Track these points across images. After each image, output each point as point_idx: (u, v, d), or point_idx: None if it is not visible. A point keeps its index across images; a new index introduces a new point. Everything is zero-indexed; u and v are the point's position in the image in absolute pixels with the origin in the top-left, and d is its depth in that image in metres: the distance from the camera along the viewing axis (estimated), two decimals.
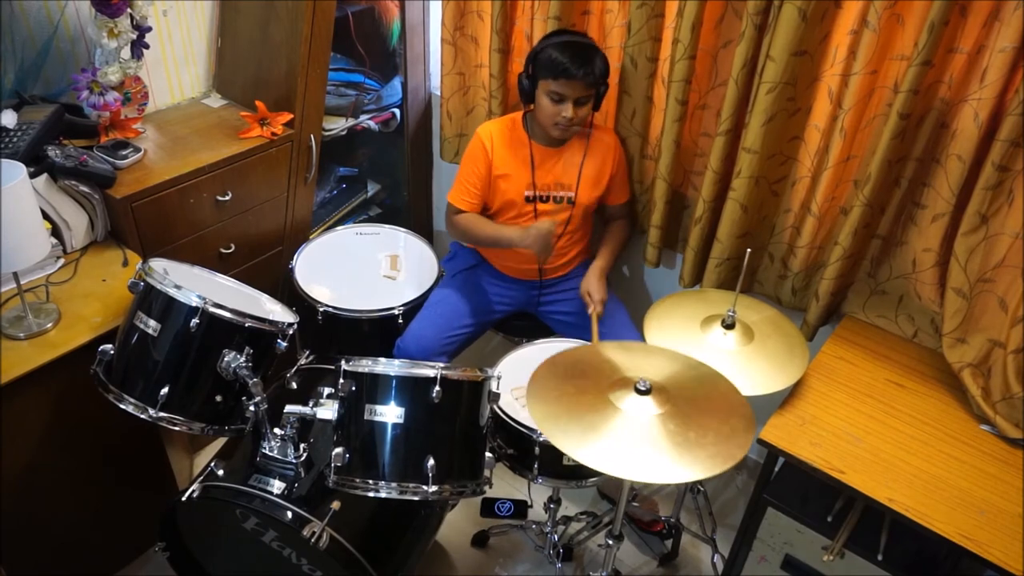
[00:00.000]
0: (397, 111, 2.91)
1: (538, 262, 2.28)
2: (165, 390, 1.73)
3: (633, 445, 1.51)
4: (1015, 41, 1.59)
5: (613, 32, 2.25)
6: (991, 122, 1.71)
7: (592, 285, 2.25)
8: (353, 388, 1.69)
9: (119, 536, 2.23)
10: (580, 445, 1.51)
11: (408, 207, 3.14)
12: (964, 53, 1.72)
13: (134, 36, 2.12)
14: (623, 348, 1.79)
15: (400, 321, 2.32)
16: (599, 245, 2.39)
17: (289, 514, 1.72)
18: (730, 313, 1.89)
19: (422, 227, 3.18)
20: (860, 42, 1.78)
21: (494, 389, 1.79)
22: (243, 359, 1.77)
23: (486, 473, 1.80)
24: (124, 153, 2.14)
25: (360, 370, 1.69)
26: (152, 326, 1.73)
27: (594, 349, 1.82)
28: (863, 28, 1.76)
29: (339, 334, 2.40)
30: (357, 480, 1.70)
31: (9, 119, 2.00)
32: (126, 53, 2.16)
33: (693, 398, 1.62)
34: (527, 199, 2.24)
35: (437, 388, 1.66)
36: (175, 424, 1.76)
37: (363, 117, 2.82)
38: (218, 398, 1.81)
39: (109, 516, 2.16)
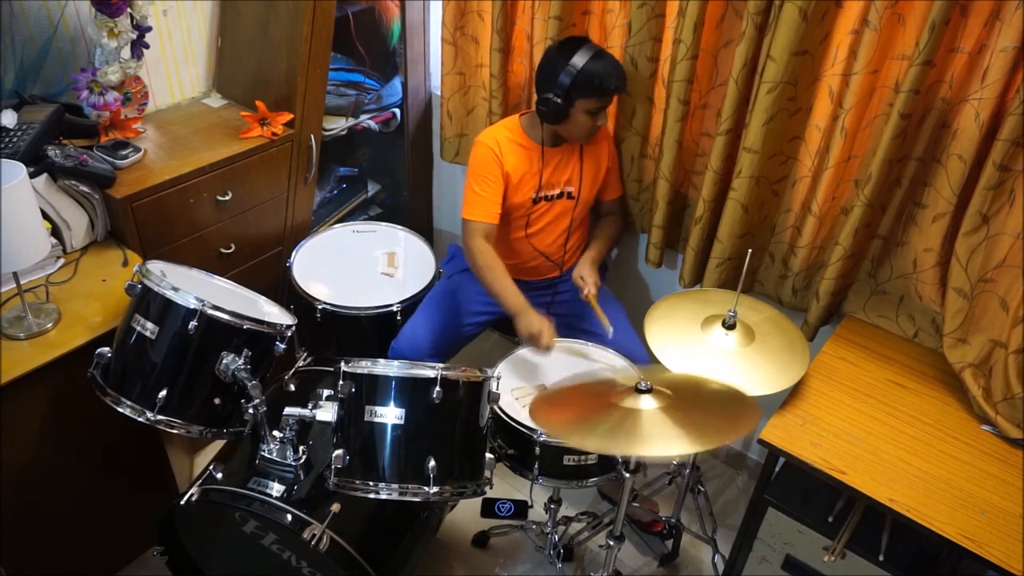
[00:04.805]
0: (397, 111, 2.90)
1: (523, 341, 2.12)
2: (163, 393, 1.73)
3: (645, 429, 1.52)
4: (1016, 41, 1.59)
5: (614, 32, 2.24)
6: (992, 122, 1.71)
7: (585, 271, 2.25)
8: (352, 389, 1.69)
9: (119, 536, 2.23)
10: (592, 439, 1.52)
11: (408, 207, 3.14)
12: (965, 53, 1.71)
13: (134, 36, 2.12)
14: (616, 373, 1.79)
15: (398, 318, 2.33)
16: (591, 238, 2.40)
17: (289, 516, 1.72)
18: (731, 313, 1.89)
19: (422, 227, 3.17)
20: (861, 42, 1.78)
21: (494, 390, 1.79)
22: (241, 361, 1.77)
23: (487, 474, 1.80)
24: (124, 153, 2.14)
25: (359, 371, 1.69)
26: (150, 328, 1.73)
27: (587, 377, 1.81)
28: (864, 28, 1.76)
29: (337, 331, 2.40)
30: (357, 482, 1.69)
31: (9, 119, 2.00)
32: (126, 53, 2.15)
33: (694, 396, 1.62)
34: (533, 200, 2.24)
35: (437, 389, 1.65)
36: (173, 427, 1.76)
37: (363, 117, 2.82)
38: (216, 400, 1.80)
39: (109, 516, 2.16)
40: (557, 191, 2.25)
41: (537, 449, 1.93)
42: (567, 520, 2.44)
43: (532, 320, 2.02)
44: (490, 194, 2.17)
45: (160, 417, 1.74)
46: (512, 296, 2.09)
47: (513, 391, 2.04)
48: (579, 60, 2.02)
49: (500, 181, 2.17)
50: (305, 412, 1.74)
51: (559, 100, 2.05)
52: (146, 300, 1.74)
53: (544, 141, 2.20)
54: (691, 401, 1.59)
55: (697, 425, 1.52)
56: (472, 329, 2.37)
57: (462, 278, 2.39)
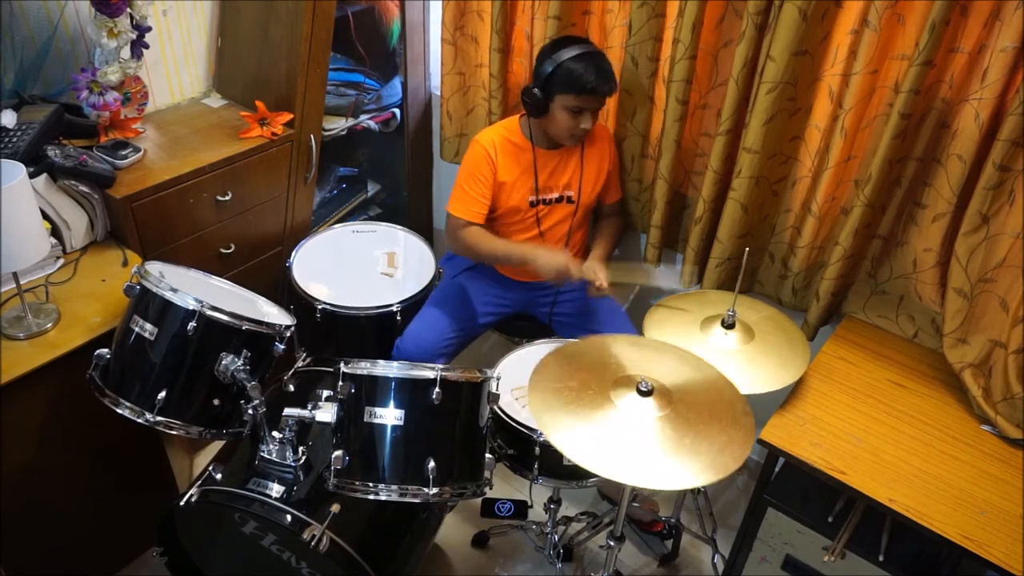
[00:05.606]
0: (397, 111, 2.90)
1: (546, 280, 2.15)
2: (162, 394, 1.73)
3: (631, 448, 1.51)
4: (1016, 41, 1.59)
5: (614, 32, 2.24)
6: (992, 122, 1.71)
7: (595, 266, 2.24)
8: (352, 390, 1.69)
9: (119, 536, 2.23)
10: (578, 446, 1.51)
11: (408, 207, 3.14)
12: (965, 53, 1.71)
13: (134, 36, 2.12)
14: (630, 343, 1.77)
15: (398, 318, 2.32)
16: (594, 240, 2.40)
17: (288, 517, 1.72)
18: (730, 313, 1.89)
19: (422, 227, 3.18)
20: (861, 42, 1.78)
21: (493, 390, 1.79)
22: (240, 362, 1.77)
23: (486, 474, 1.80)
24: (124, 153, 2.14)
25: (359, 372, 1.68)
26: (148, 329, 1.72)
27: (600, 341, 1.80)
28: (864, 28, 1.76)
29: (337, 332, 2.40)
30: (357, 483, 1.69)
31: (9, 119, 2.00)
32: (126, 53, 2.15)
33: (695, 402, 1.62)
34: (531, 204, 2.24)
35: (437, 390, 1.65)
36: (172, 428, 1.76)
37: (363, 117, 2.82)
38: (216, 401, 1.80)
39: (109, 516, 2.16)
40: (555, 195, 2.25)
41: (537, 449, 1.93)
42: (567, 520, 2.44)
43: (552, 258, 2.02)
44: (477, 194, 2.17)
45: (159, 418, 1.73)
46: (516, 247, 2.11)
47: (513, 391, 2.04)
48: (564, 55, 2.02)
49: (489, 183, 2.17)
50: (304, 413, 1.74)
51: (539, 92, 2.06)
52: (145, 301, 1.74)
53: (539, 142, 2.20)
54: (688, 412, 1.58)
55: (689, 450, 1.51)
56: (477, 329, 2.37)
57: (465, 277, 2.39)
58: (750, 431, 1.56)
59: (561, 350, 1.74)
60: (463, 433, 1.76)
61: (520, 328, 2.48)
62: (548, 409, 1.59)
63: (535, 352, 2.18)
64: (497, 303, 2.38)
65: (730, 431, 1.56)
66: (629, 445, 1.52)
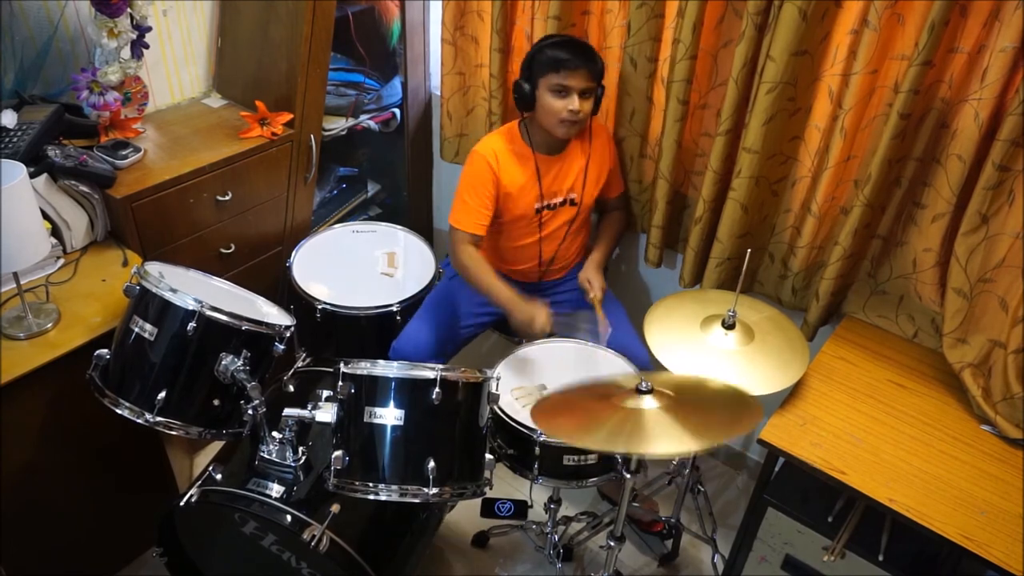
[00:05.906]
0: (397, 111, 2.91)
1: (519, 334, 2.21)
2: (162, 394, 1.73)
3: (645, 429, 1.51)
4: (1015, 41, 1.59)
5: (613, 32, 2.24)
6: (991, 122, 1.71)
7: (591, 274, 2.26)
8: (352, 390, 1.69)
9: (119, 536, 2.23)
10: (594, 439, 1.52)
11: (408, 207, 3.14)
12: (964, 53, 1.71)
13: (134, 36, 2.12)
14: (626, 377, 1.78)
15: (398, 318, 2.32)
16: (596, 238, 2.40)
17: (288, 517, 1.72)
18: (731, 313, 1.89)
19: (422, 227, 3.18)
20: (860, 42, 1.78)
21: (493, 390, 1.79)
22: (240, 362, 1.77)
23: (486, 474, 1.80)
24: (124, 153, 2.14)
25: (359, 372, 1.68)
26: (148, 330, 1.72)
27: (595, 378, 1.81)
28: (863, 28, 1.76)
29: (337, 332, 2.40)
30: (357, 483, 1.69)
31: (9, 119, 2.00)
32: (126, 53, 2.15)
33: (697, 398, 1.62)
34: (536, 210, 2.24)
35: (437, 390, 1.65)
36: (172, 428, 1.76)
37: (363, 117, 2.82)
38: (216, 402, 1.80)
39: (109, 516, 2.16)
40: (560, 199, 2.25)
41: (537, 449, 1.93)
42: (567, 520, 2.45)
43: (523, 310, 2.03)
44: (479, 205, 2.16)
45: (159, 418, 1.74)
46: (502, 292, 2.09)
47: (513, 391, 2.04)
48: (545, 42, 2.07)
49: (492, 195, 2.16)
50: (304, 413, 1.74)
51: (525, 83, 2.09)
52: (144, 301, 1.74)
53: (539, 148, 2.19)
54: (693, 401, 1.59)
55: (699, 423, 1.51)
56: (473, 329, 2.37)
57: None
58: (758, 413, 1.56)
59: (547, 400, 1.74)
60: (463, 433, 1.76)
61: None
62: (550, 420, 1.60)
63: (535, 352, 2.18)
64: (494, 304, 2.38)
65: (738, 405, 1.56)
66: (644, 428, 1.51)
